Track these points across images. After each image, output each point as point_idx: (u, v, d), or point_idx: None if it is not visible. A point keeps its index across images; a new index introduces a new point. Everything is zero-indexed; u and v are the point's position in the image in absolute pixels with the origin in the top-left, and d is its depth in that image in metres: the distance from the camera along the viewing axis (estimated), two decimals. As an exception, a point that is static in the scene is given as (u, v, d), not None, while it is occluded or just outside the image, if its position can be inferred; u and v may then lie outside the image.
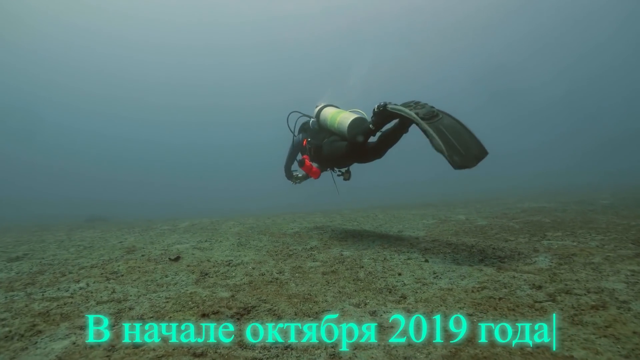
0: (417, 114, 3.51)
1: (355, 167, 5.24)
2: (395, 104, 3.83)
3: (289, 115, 5.59)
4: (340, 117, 4.52)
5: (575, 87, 68.44)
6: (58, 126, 73.09)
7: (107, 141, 73.65)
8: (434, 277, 2.82)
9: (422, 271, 3.01)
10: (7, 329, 2.10)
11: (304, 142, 5.31)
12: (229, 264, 3.57)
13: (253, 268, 3.37)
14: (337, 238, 4.81)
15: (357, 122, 4.40)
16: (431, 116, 3.47)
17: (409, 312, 2.14)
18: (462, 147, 3.21)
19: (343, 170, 5.26)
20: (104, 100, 75.00)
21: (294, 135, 5.65)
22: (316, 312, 2.20)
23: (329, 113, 4.76)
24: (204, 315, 2.18)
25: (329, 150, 4.81)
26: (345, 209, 10.67)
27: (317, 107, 5.08)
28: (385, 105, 3.88)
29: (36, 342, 1.93)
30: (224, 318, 2.15)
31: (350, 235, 5.06)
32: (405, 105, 3.73)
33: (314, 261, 3.59)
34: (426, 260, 3.34)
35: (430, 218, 6.79)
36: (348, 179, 5.27)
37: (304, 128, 5.55)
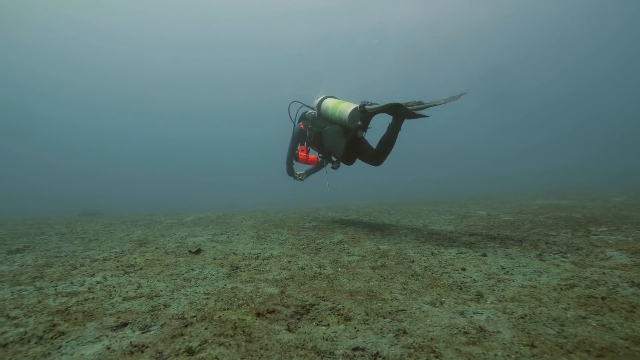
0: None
1: (353, 167, 5.28)
2: (372, 104, 4.25)
3: (290, 105, 5.70)
4: (342, 106, 4.78)
5: (572, 90, 68.79)
6: (51, 121, 72.01)
7: (99, 136, 72.77)
8: (505, 273, 2.49)
9: (487, 266, 2.68)
10: (21, 329, 1.75)
11: (302, 126, 5.46)
12: (258, 257, 3.23)
13: (289, 262, 3.03)
14: (362, 232, 4.49)
15: (357, 112, 4.60)
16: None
17: (504, 312, 1.81)
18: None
19: (334, 159, 5.47)
20: (93, 93, 73.99)
21: (294, 124, 5.71)
22: (389, 312, 1.86)
23: (330, 103, 5.01)
24: (259, 315, 1.83)
25: (331, 142, 4.98)
26: (350, 205, 10.33)
27: (317, 98, 5.32)
28: (363, 105, 4.26)
29: (60, 347, 1.58)
30: (283, 317, 1.81)
31: (375, 229, 4.74)
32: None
33: (349, 255, 3.26)
34: (484, 255, 3.01)
35: (448, 214, 6.49)
36: (336, 168, 5.53)
37: (304, 117, 5.63)
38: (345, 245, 3.67)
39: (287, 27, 75.11)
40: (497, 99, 65.05)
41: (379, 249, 3.45)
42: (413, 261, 2.91)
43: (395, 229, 4.71)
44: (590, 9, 57.83)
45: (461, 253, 3.11)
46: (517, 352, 1.41)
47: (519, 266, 2.63)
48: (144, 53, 75.08)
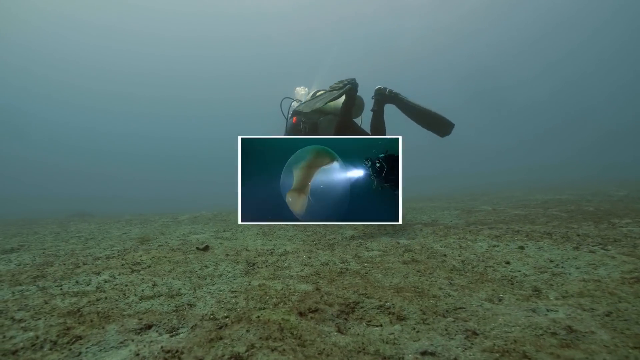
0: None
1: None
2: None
3: (282, 101, 5.83)
4: None
5: (558, 88, 69.31)
6: (41, 120, 70.49)
7: (91, 134, 71.39)
8: (556, 266, 2.32)
9: (532, 259, 2.51)
10: (31, 333, 1.52)
11: (294, 119, 5.53)
12: (272, 253, 3.03)
13: (309, 257, 2.83)
14: (372, 227, 4.29)
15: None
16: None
17: (583, 309, 1.62)
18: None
19: None
20: (83, 92, 72.68)
21: (287, 120, 5.80)
22: (447, 310, 1.67)
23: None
24: (302, 314, 1.63)
25: (326, 131, 5.08)
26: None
27: (309, 93, 5.33)
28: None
29: (79, 353, 1.36)
30: (329, 317, 1.61)
31: (384, 224, 4.55)
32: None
33: (369, 250, 3.07)
34: (522, 247, 2.84)
35: (452, 209, 6.35)
36: None
37: (297, 112, 5.62)
38: (360, 241, 3.48)
39: (283, 24, 74.60)
40: (481, 97, 65.37)
41: (398, 243, 3.26)
42: (445, 255, 2.73)
43: (405, 223, 4.53)
44: (574, 5, 58.45)
45: (494, 246, 2.94)
46: (627, 358, 1.22)
47: (569, 259, 2.46)
48: (137, 50, 73.80)
